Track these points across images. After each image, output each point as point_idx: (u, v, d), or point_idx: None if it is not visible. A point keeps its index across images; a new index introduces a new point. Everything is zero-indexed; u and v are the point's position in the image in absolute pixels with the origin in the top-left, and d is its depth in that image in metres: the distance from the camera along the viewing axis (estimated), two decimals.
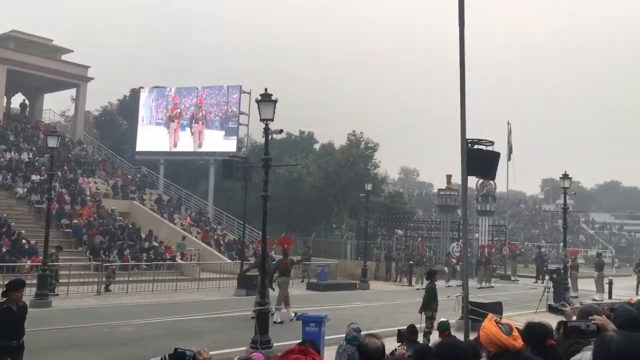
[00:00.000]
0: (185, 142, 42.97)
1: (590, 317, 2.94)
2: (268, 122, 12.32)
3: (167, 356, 2.78)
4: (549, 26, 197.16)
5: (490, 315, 3.59)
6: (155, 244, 28.52)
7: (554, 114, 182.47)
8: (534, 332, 3.69)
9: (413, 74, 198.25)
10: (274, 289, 17.27)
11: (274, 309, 15.52)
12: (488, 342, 3.50)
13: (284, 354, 2.71)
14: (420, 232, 40.61)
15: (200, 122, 42.63)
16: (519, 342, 3.53)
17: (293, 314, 15.88)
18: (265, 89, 12.31)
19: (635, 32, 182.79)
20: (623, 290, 26.85)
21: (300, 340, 10.15)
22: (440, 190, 39.81)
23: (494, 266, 34.34)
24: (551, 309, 18.91)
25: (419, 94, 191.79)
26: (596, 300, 23.14)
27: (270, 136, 12.86)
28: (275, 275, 17.81)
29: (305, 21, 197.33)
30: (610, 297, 24.45)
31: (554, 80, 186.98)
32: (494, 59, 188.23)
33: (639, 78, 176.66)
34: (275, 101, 12.23)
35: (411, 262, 32.18)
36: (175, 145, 43.10)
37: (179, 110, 43.20)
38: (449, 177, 37.29)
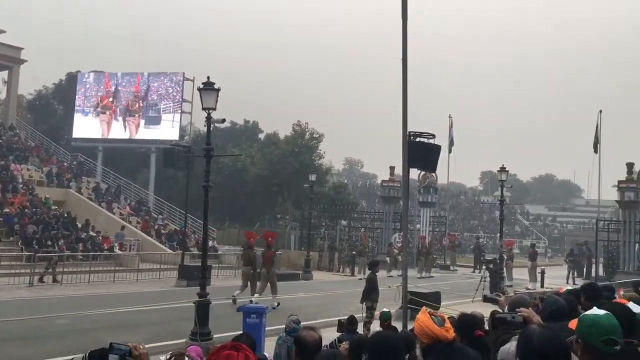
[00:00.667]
0: (125, 130, 41.77)
1: (517, 310, 3.03)
2: (210, 111, 12.09)
3: (87, 355, 2.66)
4: (491, 22, 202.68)
5: (424, 308, 3.64)
6: (92, 233, 27.66)
7: (494, 109, 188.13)
8: (463, 323, 3.78)
9: (359, 66, 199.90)
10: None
11: (253, 298, 17.00)
12: (421, 334, 3.54)
13: (217, 350, 2.65)
14: (363, 222, 41.10)
15: (141, 109, 41.54)
16: (451, 334, 3.59)
17: (276, 303, 16.06)
18: (208, 77, 12.09)
19: (575, 30, 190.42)
20: (555, 279, 28.06)
21: (240, 332, 10.08)
22: (383, 181, 40.34)
23: (434, 256, 35.15)
24: (486, 299, 19.50)
25: (364, 86, 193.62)
26: (529, 289, 24.08)
27: (212, 125, 12.65)
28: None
29: (251, 10, 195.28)
30: (542, 286, 25.48)
31: (493, 76, 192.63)
32: (438, 53, 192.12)
33: (573, 75, 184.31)
34: (218, 90, 12.01)
35: (354, 252, 32.52)
36: (113, 133, 41.84)
37: (111, 99, 41.88)
38: (392, 168, 37.79)
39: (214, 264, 27.09)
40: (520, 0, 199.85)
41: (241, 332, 10.73)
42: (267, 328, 11.49)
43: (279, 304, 16.15)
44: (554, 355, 2.25)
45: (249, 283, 18.41)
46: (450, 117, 42.40)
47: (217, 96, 12.01)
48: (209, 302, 12.01)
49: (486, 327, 4.17)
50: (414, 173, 34.13)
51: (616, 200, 31.25)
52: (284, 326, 8.00)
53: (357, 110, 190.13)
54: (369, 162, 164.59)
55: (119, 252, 26.93)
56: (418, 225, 38.76)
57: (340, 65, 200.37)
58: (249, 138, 51.85)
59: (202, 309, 11.76)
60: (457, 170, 75.51)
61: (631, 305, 3.60)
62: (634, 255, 29.04)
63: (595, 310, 2.83)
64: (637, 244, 29.39)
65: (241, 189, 43.53)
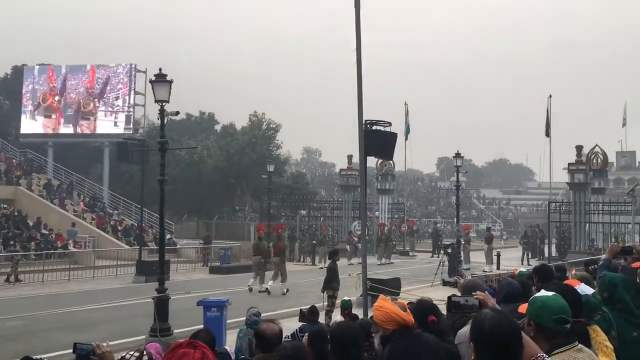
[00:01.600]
0: (75, 124, 40.63)
1: (473, 293, 3.08)
2: (163, 104, 11.86)
3: None
4: (443, 6, 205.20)
5: (381, 295, 3.67)
6: (44, 231, 26.87)
7: (447, 95, 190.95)
8: (419, 309, 3.83)
9: (315, 54, 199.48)
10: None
11: (266, 287, 19.20)
12: (386, 320, 3.55)
13: (172, 348, 2.60)
14: (323, 211, 41.23)
15: (92, 103, 40.44)
16: (412, 319, 3.65)
17: (285, 290, 19.27)
18: (160, 69, 11.84)
19: (527, 16, 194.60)
20: (510, 261, 28.79)
21: (201, 327, 9.97)
22: (341, 170, 40.52)
23: (394, 243, 35.57)
24: (445, 283, 19.92)
25: (321, 74, 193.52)
26: (486, 271, 24.65)
27: (166, 118, 12.42)
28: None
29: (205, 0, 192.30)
30: (498, 268, 26.11)
31: (448, 62, 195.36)
32: (392, 41, 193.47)
33: (524, 60, 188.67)
34: (171, 82, 11.79)
35: (314, 241, 32.60)
36: (64, 128, 40.64)
37: (57, 97, 40.60)
38: (349, 157, 37.96)
39: (173, 258, 26.77)
40: None
41: (202, 326, 10.66)
42: (228, 321, 11.44)
43: (288, 290, 19.21)
44: (506, 338, 2.31)
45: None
46: (406, 104, 42.89)
47: (170, 88, 11.79)
48: (168, 297, 11.85)
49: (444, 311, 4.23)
50: (372, 161, 34.40)
51: (567, 182, 32.22)
52: (245, 319, 7.97)
53: (315, 99, 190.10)
54: (327, 151, 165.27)
55: (74, 250, 26.27)
56: (377, 213, 39.12)
57: (296, 55, 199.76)
58: (205, 130, 51.18)
59: (161, 305, 11.59)
60: (414, 157, 76.65)
61: (582, 286, 3.72)
62: (584, 235, 30.06)
63: (544, 292, 2.92)
64: (587, 224, 30.41)
65: (199, 181, 42.99)
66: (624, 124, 65.14)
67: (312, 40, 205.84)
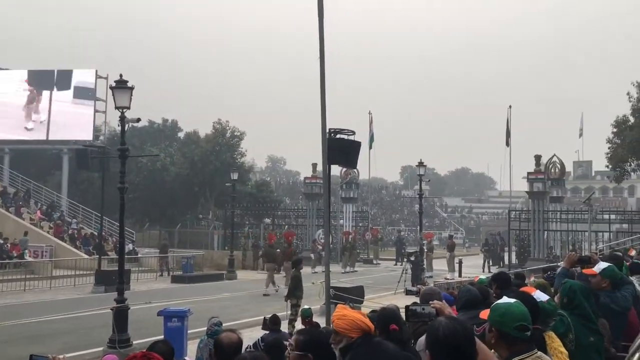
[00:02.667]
0: (34, 131, 39.57)
1: (430, 302, 3.11)
2: (124, 110, 11.67)
3: None
4: (405, 19, 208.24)
5: (339, 305, 3.66)
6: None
7: (412, 104, 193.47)
8: (381, 317, 3.85)
9: (280, 63, 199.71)
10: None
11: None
12: (351, 328, 3.55)
13: None
14: (287, 220, 41.11)
15: (50, 108, 39.47)
16: (373, 326, 3.67)
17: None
18: (120, 75, 11.64)
19: (485, 26, 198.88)
20: (472, 268, 29.23)
21: (161, 337, 9.78)
22: (306, 178, 40.50)
23: (358, 251, 35.69)
24: (407, 292, 19.99)
25: (285, 83, 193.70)
26: (448, 279, 24.93)
27: (128, 125, 12.22)
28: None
29: (167, 4, 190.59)
30: (460, 275, 26.46)
31: (412, 72, 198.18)
32: (357, 51, 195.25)
33: (486, 70, 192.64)
34: (132, 88, 11.60)
35: (278, 250, 32.38)
36: (21, 134, 39.51)
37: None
38: (314, 165, 37.97)
39: (134, 267, 26.26)
40: None
41: (162, 337, 10.47)
42: (190, 331, 11.28)
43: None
44: (460, 346, 2.35)
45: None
46: (370, 113, 43.19)
47: (131, 95, 11.60)
48: (127, 307, 11.60)
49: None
50: (337, 169, 34.51)
51: (526, 191, 32.89)
52: (206, 329, 7.87)
53: (280, 107, 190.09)
54: (292, 160, 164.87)
55: (30, 260, 25.50)
56: (341, 221, 39.21)
57: (261, 63, 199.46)
58: (168, 137, 50.54)
59: (120, 315, 11.34)
60: (379, 165, 77.49)
61: (537, 293, 3.79)
62: (542, 243, 30.71)
63: (505, 299, 2.97)
64: (545, 232, 31.09)
65: (161, 189, 42.36)
66: (580, 135, 67.13)
67: (277, 48, 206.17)
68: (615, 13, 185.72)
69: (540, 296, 3.82)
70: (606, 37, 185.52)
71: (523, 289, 4.16)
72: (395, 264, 35.00)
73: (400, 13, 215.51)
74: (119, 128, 12.37)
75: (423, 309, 3.02)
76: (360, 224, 41.46)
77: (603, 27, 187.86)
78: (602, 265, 5.50)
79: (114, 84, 11.71)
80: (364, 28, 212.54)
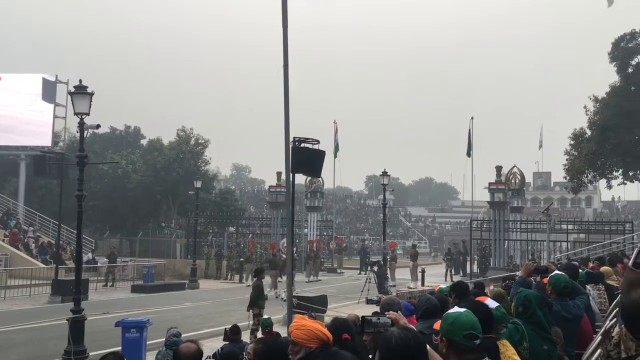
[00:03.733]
0: None
1: (385, 313, 3.13)
2: (83, 116, 11.43)
3: None
4: (369, 29, 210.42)
5: (298, 315, 3.65)
6: None
7: (378, 114, 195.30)
8: (334, 327, 3.85)
9: (245, 71, 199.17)
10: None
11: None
12: (310, 338, 3.53)
13: None
14: (251, 228, 40.85)
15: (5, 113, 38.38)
16: (331, 336, 3.66)
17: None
18: (80, 81, 11.42)
19: (445, 36, 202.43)
20: (435, 277, 29.50)
21: (118, 349, 9.57)
22: (270, 187, 40.36)
23: (322, 260, 35.68)
24: (368, 301, 20.03)
25: (250, 92, 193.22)
26: (411, 288, 25.12)
27: (87, 131, 11.97)
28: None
29: (130, 10, 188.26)
30: (423, 284, 26.66)
31: (376, 82, 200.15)
32: (323, 61, 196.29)
33: (447, 82, 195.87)
34: (92, 94, 11.38)
35: (242, 259, 32.20)
36: None
37: None
38: (279, 174, 37.87)
39: (93, 277, 25.68)
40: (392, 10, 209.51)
41: (119, 348, 10.24)
42: (149, 342, 11.08)
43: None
44: (412, 355, 2.37)
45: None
46: (335, 122, 43.41)
47: (91, 100, 11.37)
48: (84, 318, 11.31)
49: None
50: (301, 178, 34.54)
51: (487, 201, 33.49)
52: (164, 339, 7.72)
53: (245, 116, 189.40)
54: (257, 168, 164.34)
55: None
56: (306, 230, 39.15)
57: (226, 71, 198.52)
58: (131, 144, 49.77)
59: (77, 326, 11.05)
60: (344, 175, 77.73)
61: (488, 301, 3.85)
62: (503, 252, 31.26)
63: (456, 309, 3.00)
64: (506, 242, 31.67)
65: (123, 197, 41.59)
66: (540, 146, 68.86)
67: (243, 56, 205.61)
68: (573, 26, 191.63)
69: (490, 303, 3.88)
70: (566, 51, 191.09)
71: (478, 298, 4.21)
72: (359, 273, 35.09)
73: (363, 23, 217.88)
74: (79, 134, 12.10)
75: (378, 318, 3.04)
76: (325, 233, 41.48)
77: (562, 41, 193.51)
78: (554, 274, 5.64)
79: (73, 90, 11.47)
80: (328, 38, 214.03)
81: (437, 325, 3.06)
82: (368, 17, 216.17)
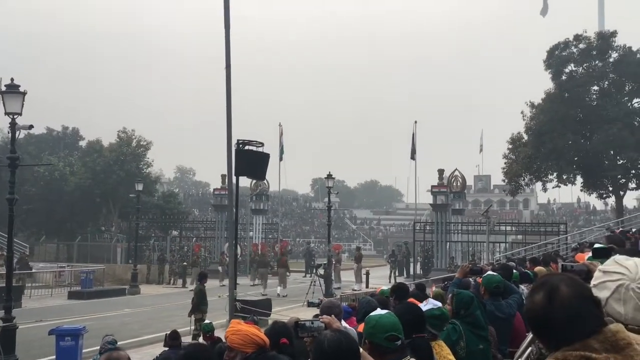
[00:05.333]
0: None
1: (319, 317, 3.13)
2: (15, 117, 10.95)
3: None
4: (312, 30, 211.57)
5: (233, 320, 3.61)
6: None
7: (323, 117, 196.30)
8: (273, 331, 3.84)
9: (187, 72, 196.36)
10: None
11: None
12: (246, 343, 3.50)
13: None
14: (196, 232, 40.23)
15: None
16: (267, 340, 3.63)
17: (285, 294, 24.38)
18: (12, 79, 10.93)
19: (389, 42, 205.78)
20: (379, 279, 29.82)
21: (52, 358, 9.21)
22: (215, 189, 39.90)
23: (271, 264, 35.39)
24: (309, 304, 20.05)
25: (192, 93, 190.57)
26: (355, 290, 25.35)
27: (18, 132, 11.47)
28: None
29: (70, 9, 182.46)
30: (367, 286, 26.93)
31: (322, 85, 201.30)
32: (268, 63, 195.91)
33: (391, 86, 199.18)
34: (24, 93, 10.92)
35: (185, 263, 31.64)
36: None
37: None
38: (223, 177, 37.41)
39: (28, 283, 24.65)
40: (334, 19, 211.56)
41: (54, 357, 9.87)
42: (85, 350, 10.75)
43: (286, 295, 24.36)
44: (344, 358, 2.41)
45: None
46: (280, 125, 43.27)
47: (24, 100, 10.90)
48: (15, 326, 10.82)
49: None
50: (246, 181, 34.21)
51: (430, 204, 34.18)
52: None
53: (189, 117, 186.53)
54: (202, 170, 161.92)
55: None
56: (251, 233, 38.87)
57: (169, 73, 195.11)
58: (69, 146, 48.10)
59: (7, 335, 10.56)
60: (290, 177, 77.67)
61: (431, 301, 3.92)
62: (445, 253, 31.96)
63: (378, 311, 3.04)
64: (447, 243, 32.39)
65: (60, 200, 40.09)
66: (480, 150, 70.92)
67: (185, 55, 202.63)
68: (512, 35, 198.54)
69: (432, 304, 3.95)
70: (506, 59, 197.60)
71: (410, 300, 4.27)
72: (305, 276, 35.07)
73: (306, 25, 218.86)
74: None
75: (312, 323, 3.05)
76: (270, 236, 41.29)
77: (502, 50, 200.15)
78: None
79: (4, 88, 10.97)
80: (273, 39, 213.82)
81: (360, 328, 3.07)
82: (312, 15, 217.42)
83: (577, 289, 1.63)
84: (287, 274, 27.80)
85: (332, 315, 3.20)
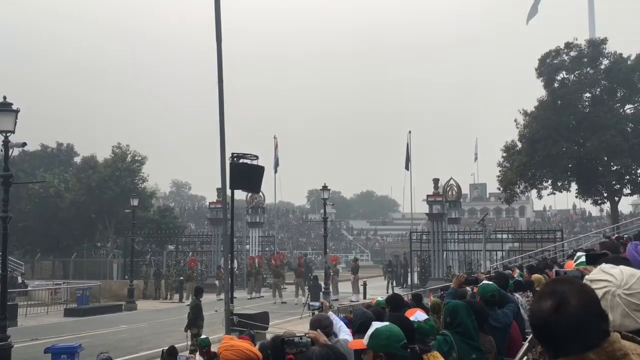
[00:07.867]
0: None
1: (306, 333, 3.14)
2: (8, 134, 10.95)
3: None
4: (309, 42, 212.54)
5: (226, 336, 3.59)
6: None
7: (318, 130, 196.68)
8: (271, 347, 3.81)
9: (180, 88, 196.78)
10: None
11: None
12: (239, 359, 3.48)
13: None
14: (192, 246, 40.11)
15: None
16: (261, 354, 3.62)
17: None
18: (4, 97, 10.94)
19: (384, 52, 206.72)
20: (376, 290, 29.76)
21: None
22: (211, 203, 39.84)
23: (264, 276, 35.36)
24: (310, 307, 19.98)
25: (187, 108, 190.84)
26: (353, 301, 25.27)
27: (11, 150, 11.47)
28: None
29: (63, 28, 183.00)
30: (365, 297, 26.87)
31: (317, 97, 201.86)
32: (262, 76, 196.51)
33: (389, 96, 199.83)
34: (17, 111, 10.92)
35: (181, 277, 31.52)
36: None
37: None
38: (219, 190, 37.43)
39: (22, 301, 24.51)
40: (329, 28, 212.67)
41: None
42: None
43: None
44: None
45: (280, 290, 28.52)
46: (275, 138, 43.37)
47: (16, 118, 10.91)
48: (10, 345, 10.75)
49: None
50: (242, 194, 34.19)
51: (426, 213, 34.17)
52: None
53: (185, 131, 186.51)
54: (197, 184, 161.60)
55: None
56: (247, 246, 38.78)
57: (164, 86, 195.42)
58: (63, 162, 48.00)
59: (3, 355, 10.49)
60: (285, 189, 77.62)
61: (417, 313, 3.91)
62: (442, 263, 31.92)
63: (381, 324, 3.03)
64: (444, 252, 32.37)
65: (55, 217, 39.95)
66: (475, 159, 71.12)
67: (179, 71, 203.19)
68: (505, 44, 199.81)
69: (419, 316, 3.94)
70: (500, 67, 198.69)
71: (407, 312, 4.25)
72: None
73: (303, 37, 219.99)
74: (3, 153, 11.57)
75: (300, 338, 3.04)
76: (267, 249, 41.19)
77: (496, 59, 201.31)
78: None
79: None
80: (266, 52, 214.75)
81: (354, 344, 3.03)
82: (305, 28, 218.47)
83: (586, 302, 1.62)
84: (283, 286, 27.97)
85: (318, 330, 3.20)
